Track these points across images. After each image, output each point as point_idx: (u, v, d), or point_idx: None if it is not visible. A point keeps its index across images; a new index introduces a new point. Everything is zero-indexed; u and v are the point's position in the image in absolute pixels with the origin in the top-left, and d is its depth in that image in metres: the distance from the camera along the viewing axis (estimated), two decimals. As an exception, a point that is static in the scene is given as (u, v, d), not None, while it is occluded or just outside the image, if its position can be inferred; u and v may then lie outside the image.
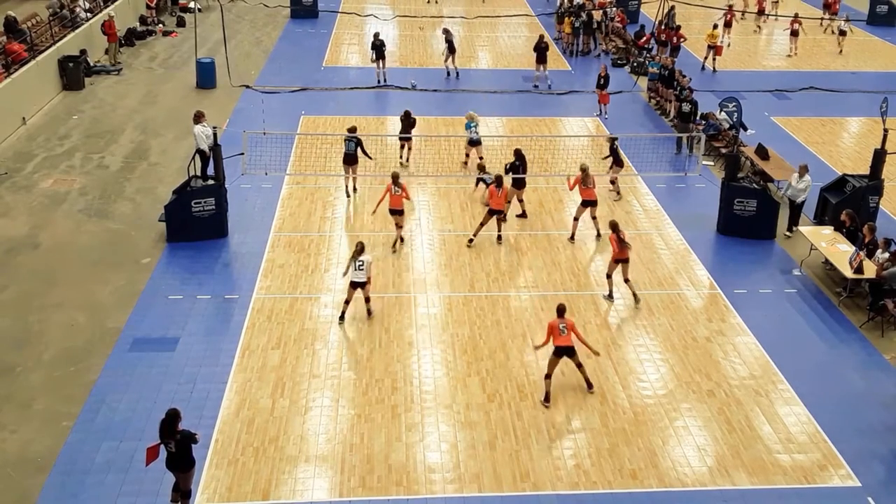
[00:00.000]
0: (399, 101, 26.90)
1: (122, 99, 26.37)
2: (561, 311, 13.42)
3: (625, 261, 15.91)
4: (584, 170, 18.08)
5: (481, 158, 20.67)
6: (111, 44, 29.46)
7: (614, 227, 15.93)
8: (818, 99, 28.27)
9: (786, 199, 19.14)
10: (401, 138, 21.75)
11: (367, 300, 15.45)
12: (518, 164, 19.12)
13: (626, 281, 16.10)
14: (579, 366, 13.57)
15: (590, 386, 13.69)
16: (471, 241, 17.97)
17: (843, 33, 33.96)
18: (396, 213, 17.58)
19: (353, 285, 15.09)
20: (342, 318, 15.31)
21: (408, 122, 21.88)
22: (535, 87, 28.58)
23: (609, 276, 16.22)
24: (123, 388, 13.43)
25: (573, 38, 33.07)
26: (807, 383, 14.07)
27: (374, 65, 28.49)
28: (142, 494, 11.39)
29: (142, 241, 17.85)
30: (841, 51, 33.82)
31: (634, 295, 16.11)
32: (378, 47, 28.22)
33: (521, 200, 19.23)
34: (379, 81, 28.39)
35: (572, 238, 18.33)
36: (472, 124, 21.20)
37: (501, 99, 27.38)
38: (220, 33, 29.01)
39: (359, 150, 19.65)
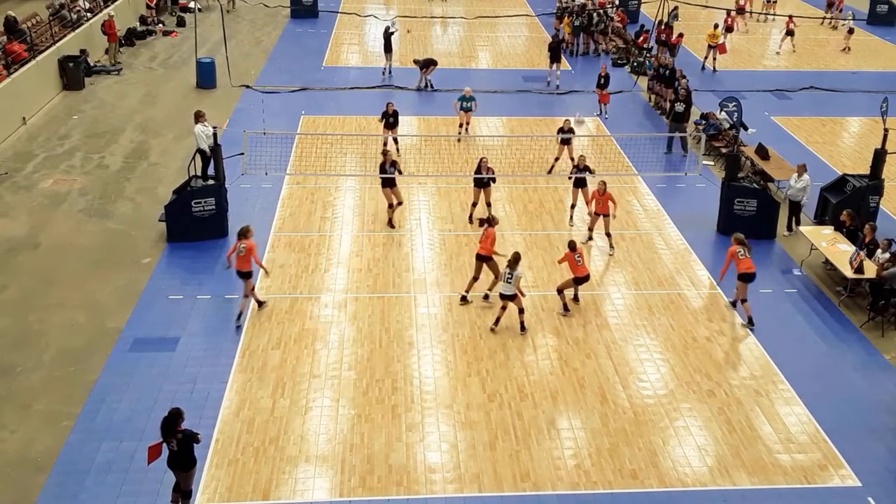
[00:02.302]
0: (401, 100, 26.91)
1: (122, 99, 26.36)
2: (572, 245, 15.51)
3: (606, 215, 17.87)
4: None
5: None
6: (111, 44, 29.47)
7: (603, 187, 17.60)
8: (818, 99, 28.28)
9: (787, 199, 19.25)
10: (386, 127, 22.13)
11: (521, 311, 15.02)
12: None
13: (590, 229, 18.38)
14: (576, 298, 15.91)
15: (576, 300, 15.89)
16: (464, 298, 16.11)
17: (851, 31, 34.01)
18: (241, 275, 14.94)
19: (502, 297, 14.84)
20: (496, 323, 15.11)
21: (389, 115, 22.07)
22: (548, 83, 29.07)
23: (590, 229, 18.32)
24: (123, 388, 13.43)
25: (573, 38, 33.11)
26: (807, 383, 14.08)
27: (385, 57, 29.36)
28: (142, 495, 11.39)
29: (142, 241, 17.84)
30: (847, 48, 33.87)
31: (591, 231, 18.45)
32: (387, 39, 29.01)
33: (488, 204, 18.95)
34: (384, 73, 29.15)
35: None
36: (466, 97, 23.21)
37: (501, 99, 27.36)
38: (220, 33, 29.02)
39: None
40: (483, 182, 18.76)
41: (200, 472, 11.55)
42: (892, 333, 15.52)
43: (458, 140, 23.30)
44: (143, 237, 18.02)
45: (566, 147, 21.46)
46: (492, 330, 15.12)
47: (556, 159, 21.54)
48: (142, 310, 15.49)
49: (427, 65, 28.19)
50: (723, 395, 13.78)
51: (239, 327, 15.04)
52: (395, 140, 22.30)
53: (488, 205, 18.97)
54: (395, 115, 22.12)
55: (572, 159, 21.03)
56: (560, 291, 15.72)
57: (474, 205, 19.01)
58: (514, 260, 14.72)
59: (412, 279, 16.79)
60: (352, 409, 13.14)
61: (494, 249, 15.87)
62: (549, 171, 21.47)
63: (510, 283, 14.69)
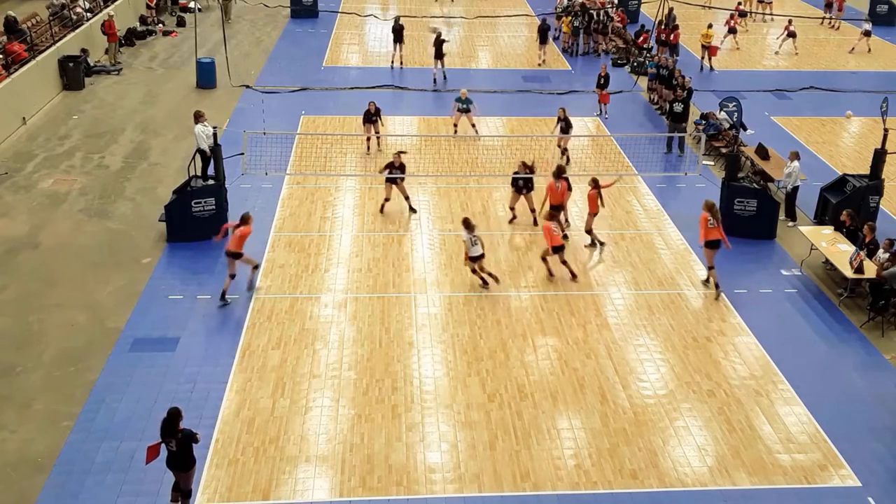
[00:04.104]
0: (403, 100, 26.93)
1: (122, 99, 26.36)
2: (551, 216, 16.65)
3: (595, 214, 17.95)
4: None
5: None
6: (111, 44, 29.47)
7: (595, 182, 17.66)
8: (818, 99, 28.27)
9: (782, 192, 19.52)
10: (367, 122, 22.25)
11: (482, 269, 16.41)
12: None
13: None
14: (565, 262, 16.68)
15: (573, 276, 16.72)
16: (565, 236, 17.80)
17: (867, 34, 33.93)
18: (232, 255, 15.64)
19: (473, 259, 16.10)
20: (484, 283, 16.34)
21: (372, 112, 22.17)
22: (540, 64, 31.10)
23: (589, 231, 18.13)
24: (123, 388, 13.44)
25: (573, 39, 33.12)
26: (807, 383, 14.08)
27: (393, 49, 30.24)
28: (142, 494, 11.39)
29: (142, 241, 17.85)
30: (869, 50, 33.94)
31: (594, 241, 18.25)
32: (397, 31, 29.64)
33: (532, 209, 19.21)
34: (392, 67, 29.86)
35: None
36: (462, 99, 23.33)
37: (501, 99, 27.37)
38: (220, 33, 29.04)
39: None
40: (522, 186, 18.82)
41: (200, 472, 11.56)
42: (892, 333, 15.52)
43: (455, 133, 23.61)
44: (143, 237, 18.03)
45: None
46: (483, 286, 16.36)
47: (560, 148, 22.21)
48: (142, 310, 15.49)
49: (441, 54, 28.83)
50: (723, 395, 13.78)
51: (225, 304, 15.67)
52: (378, 137, 22.51)
53: (532, 210, 18.96)
54: (378, 112, 22.20)
55: (565, 149, 21.86)
56: (544, 258, 16.85)
57: (532, 210, 18.96)
58: (468, 225, 15.93)
59: (412, 279, 16.79)
60: (352, 409, 13.14)
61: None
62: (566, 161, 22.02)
63: (477, 244, 15.97)
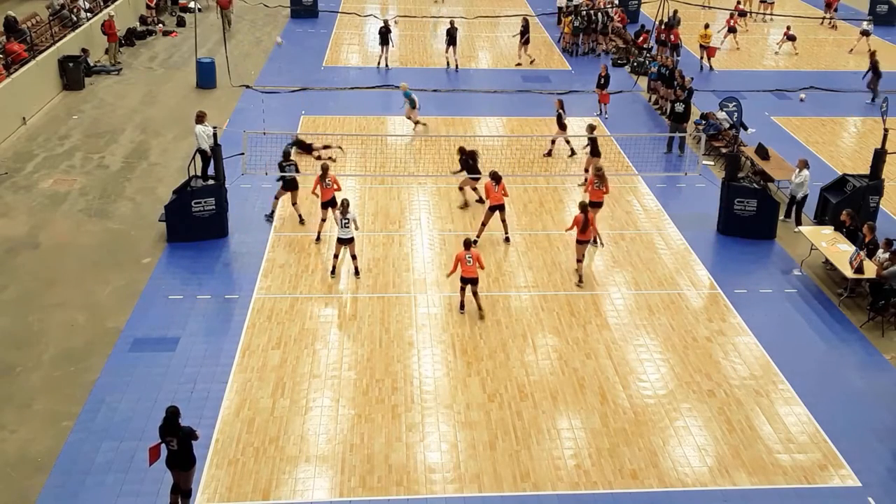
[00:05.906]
0: (401, 100, 26.91)
1: (122, 99, 26.36)
2: (467, 244, 15.41)
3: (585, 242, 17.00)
4: (598, 172, 18.18)
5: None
6: (111, 44, 29.47)
7: (583, 208, 16.76)
8: (818, 99, 28.25)
9: (787, 195, 19.44)
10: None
11: (354, 258, 16.65)
12: (471, 162, 19.36)
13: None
14: (476, 294, 15.53)
15: (481, 314, 15.54)
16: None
17: (866, 34, 33.88)
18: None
19: (340, 241, 16.36)
20: (333, 272, 16.67)
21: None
22: (519, 64, 31.28)
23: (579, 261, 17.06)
24: (123, 388, 13.44)
25: (573, 39, 33.12)
26: (807, 383, 14.08)
27: (380, 51, 30.42)
28: (142, 495, 11.39)
29: (142, 241, 17.85)
30: (869, 49, 33.94)
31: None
32: (383, 34, 29.93)
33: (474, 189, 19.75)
34: (378, 68, 29.96)
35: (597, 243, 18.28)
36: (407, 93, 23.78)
37: (501, 99, 27.38)
38: (220, 33, 29.05)
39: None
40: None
41: (200, 471, 11.56)
42: (892, 333, 15.52)
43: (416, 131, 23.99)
44: (143, 237, 18.03)
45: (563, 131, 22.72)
46: (331, 273, 16.68)
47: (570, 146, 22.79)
48: (142, 310, 15.49)
49: (452, 43, 29.80)
50: (723, 395, 13.78)
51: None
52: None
53: (479, 200, 19.64)
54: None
55: (567, 141, 22.68)
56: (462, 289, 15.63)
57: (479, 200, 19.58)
58: (345, 206, 16.20)
59: (412, 279, 16.79)
60: (352, 409, 13.14)
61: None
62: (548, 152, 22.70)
63: (348, 227, 16.18)
